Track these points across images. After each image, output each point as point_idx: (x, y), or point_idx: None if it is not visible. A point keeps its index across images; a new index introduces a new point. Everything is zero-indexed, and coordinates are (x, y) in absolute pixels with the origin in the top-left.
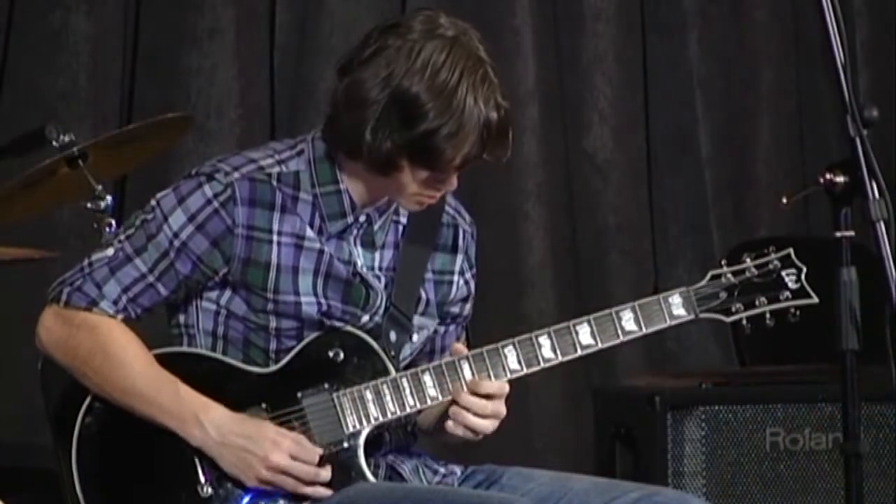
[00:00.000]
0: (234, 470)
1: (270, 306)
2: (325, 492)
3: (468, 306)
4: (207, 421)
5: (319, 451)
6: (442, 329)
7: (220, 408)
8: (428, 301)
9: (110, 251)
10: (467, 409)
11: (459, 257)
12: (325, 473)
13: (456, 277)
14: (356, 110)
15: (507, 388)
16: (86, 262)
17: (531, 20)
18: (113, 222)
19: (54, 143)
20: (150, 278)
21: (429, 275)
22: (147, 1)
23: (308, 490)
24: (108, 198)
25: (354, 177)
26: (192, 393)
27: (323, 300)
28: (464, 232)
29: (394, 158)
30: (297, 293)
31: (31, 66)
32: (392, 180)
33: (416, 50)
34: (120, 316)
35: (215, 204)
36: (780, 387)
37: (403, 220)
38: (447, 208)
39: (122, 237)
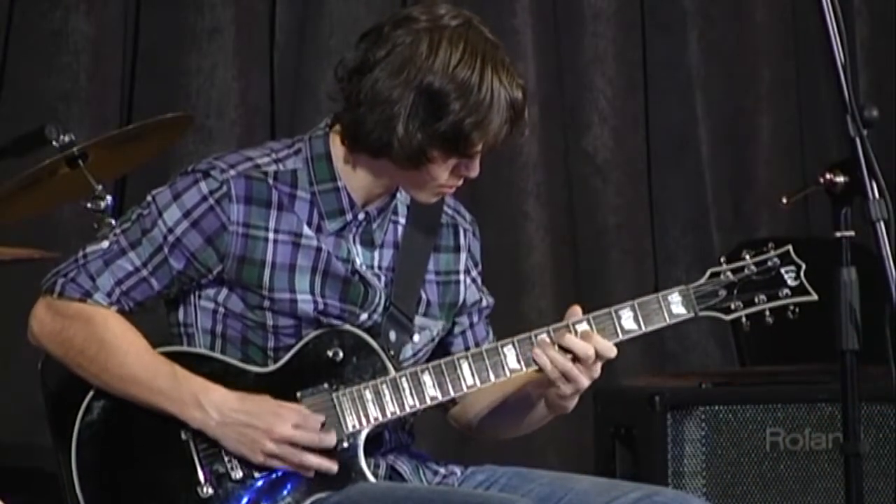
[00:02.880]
0: (238, 448)
1: (266, 303)
2: (331, 465)
3: (485, 298)
4: (207, 402)
5: (321, 417)
6: (467, 322)
7: (219, 388)
8: (429, 302)
9: (105, 244)
10: (570, 351)
11: (463, 256)
12: (330, 438)
13: (462, 276)
14: (382, 109)
15: (614, 351)
16: (80, 253)
17: (531, 20)
18: (113, 222)
19: (54, 143)
20: (144, 272)
21: (430, 276)
22: (147, 1)
23: (314, 461)
24: (108, 198)
25: (368, 175)
26: (190, 375)
27: (320, 298)
28: (464, 230)
29: (426, 150)
30: (292, 291)
31: (31, 66)
32: (422, 172)
33: (435, 42)
34: (113, 308)
35: (211, 201)
36: (780, 387)
37: (402, 220)
38: (446, 209)
39: (117, 231)
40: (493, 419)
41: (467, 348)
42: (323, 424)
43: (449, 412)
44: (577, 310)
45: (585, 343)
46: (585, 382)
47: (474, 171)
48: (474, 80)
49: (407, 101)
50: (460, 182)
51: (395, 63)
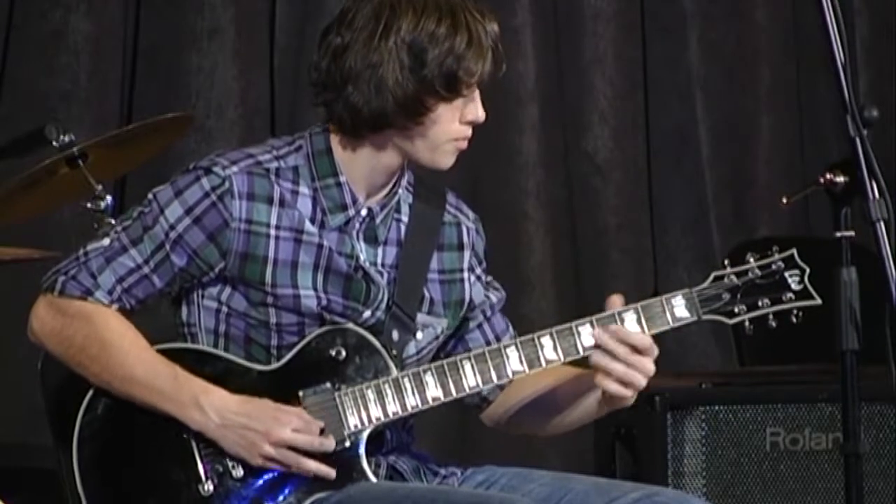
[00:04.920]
0: (237, 450)
1: (270, 299)
2: (329, 470)
3: (494, 294)
4: (207, 403)
5: (321, 423)
6: (481, 316)
7: (219, 390)
8: (432, 300)
9: (106, 241)
10: (610, 354)
11: (466, 254)
12: (329, 443)
13: (466, 274)
14: (368, 77)
15: (650, 343)
16: (81, 251)
17: (531, 20)
18: (113, 222)
19: (54, 143)
20: (146, 269)
21: (433, 275)
22: (147, 1)
23: (312, 466)
24: (108, 198)
25: (371, 158)
26: (191, 377)
27: (323, 294)
28: (467, 229)
29: (422, 98)
30: (295, 287)
31: (31, 66)
32: (427, 127)
33: (396, 4)
34: (115, 306)
35: (213, 197)
36: (780, 387)
37: (405, 218)
38: (448, 207)
39: (118, 228)
40: (535, 411)
41: (487, 342)
42: (322, 430)
43: (483, 412)
44: (616, 300)
45: (621, 347)
46: (642, 380)
47: (480, 115)
48: (445, 24)
49: (389, 60)
50: (469, 131)
51: (365, 36)
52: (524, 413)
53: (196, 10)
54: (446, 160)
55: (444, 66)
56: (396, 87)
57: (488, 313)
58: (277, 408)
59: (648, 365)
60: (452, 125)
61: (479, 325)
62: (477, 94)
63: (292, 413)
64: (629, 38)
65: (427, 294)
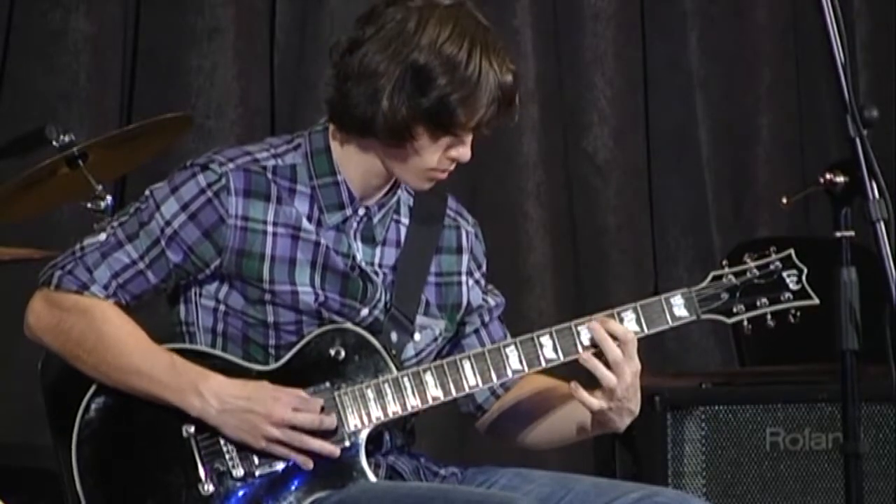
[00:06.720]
0: (239, 434)
1: (267, 297)
2: (333, 448)
3: (492, 299)
4: (206, 389)
5: (321, 400)
6: (478, 321)
7: (218, 376)
8: (428, 303)
9: (102, 236)
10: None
11: (465, 257)
12: (330, 420)
13: (464, 278)
14: (369, 82)
15: (630, 334)
16: (77, 246)
17: (531, 20)
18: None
19: (54, 143)
20: (141, 265)
21: (431, 277)
22: (147, 1)
23: (316, 444)
24: (108, 198)
25: (361, 160)
26: (188, 364)
27: (320, 291)
28: (466, 233)
29: (410, 125)
30: (293, 283)
31: (31, 66)
32: (408, 150)
33: (424, 19)
34: (110, 301)
35: (209, 193)
36: (780, 387)
37: (406, 220)
38: (448, 211)
39: (115, 224)
40: (524, 417)
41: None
42: (323, 408)
43: (479, 421)
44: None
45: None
46: (614, 385)
47: (465, 155)
48: (461, 57)
49: (393, 75)
50: (451, 167)
51: (383, 38)
52: (513, 418)
53: (196, 10)
54: (420, 185)
55: (442, 102)
56: (388, 108)
57: (486, 319)
58: (276, 389)
59: (625, 376)
60: (434, 157)
61: (476, 331)
62: (469, 136)
63: (291, 393)
64: (629, 38)
65: (425, 297)
